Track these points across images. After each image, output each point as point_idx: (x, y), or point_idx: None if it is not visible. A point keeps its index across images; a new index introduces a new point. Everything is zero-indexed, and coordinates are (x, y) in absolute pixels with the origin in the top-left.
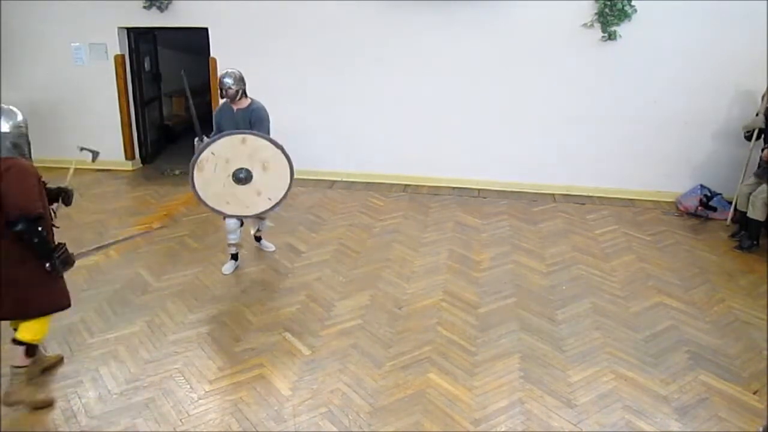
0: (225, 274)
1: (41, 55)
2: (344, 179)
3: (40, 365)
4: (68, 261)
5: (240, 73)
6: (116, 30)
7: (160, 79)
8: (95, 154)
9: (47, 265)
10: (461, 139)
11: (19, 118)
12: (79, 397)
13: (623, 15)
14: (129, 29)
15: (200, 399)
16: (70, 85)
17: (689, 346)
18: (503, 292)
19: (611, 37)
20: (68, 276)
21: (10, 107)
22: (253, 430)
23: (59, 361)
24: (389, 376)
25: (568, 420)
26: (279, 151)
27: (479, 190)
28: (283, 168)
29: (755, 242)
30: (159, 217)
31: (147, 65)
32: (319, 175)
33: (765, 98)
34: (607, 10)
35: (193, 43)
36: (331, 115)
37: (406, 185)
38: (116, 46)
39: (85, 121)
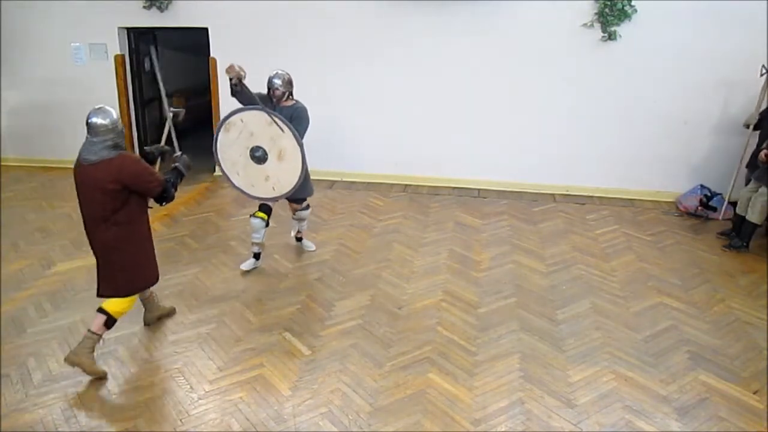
0: (242, 269)
1: (41, 55)
2: (344, 179)
3: (157, 312)
4: (187, 167)
5: (289, 76)
6: (116, 30)
7: None
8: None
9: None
10: (461, 139)
11: (115, 115)
12: (79, 397)
13: (623, 15)
14: (129, 29)
15: (200, 399)
16: (70, 85)
17: (689, 346)
18: (503, 292)
19: (611, 37)
20: (68, 276)
21: (103, 106)
22: (253, 430)
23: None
24: (389, 376)
25: (568, 420)
26: (298, 148)
27: (479, 190)
28: (296, 165)
29: (745, 244)
30: (159, 217)
31: (147, 65)
32: (319, 175)
33: (761, 94)
34: (607, 10)
35: (193, 43)
36: (331, 115)
37: (406, 185)
38: (116, 46)
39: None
